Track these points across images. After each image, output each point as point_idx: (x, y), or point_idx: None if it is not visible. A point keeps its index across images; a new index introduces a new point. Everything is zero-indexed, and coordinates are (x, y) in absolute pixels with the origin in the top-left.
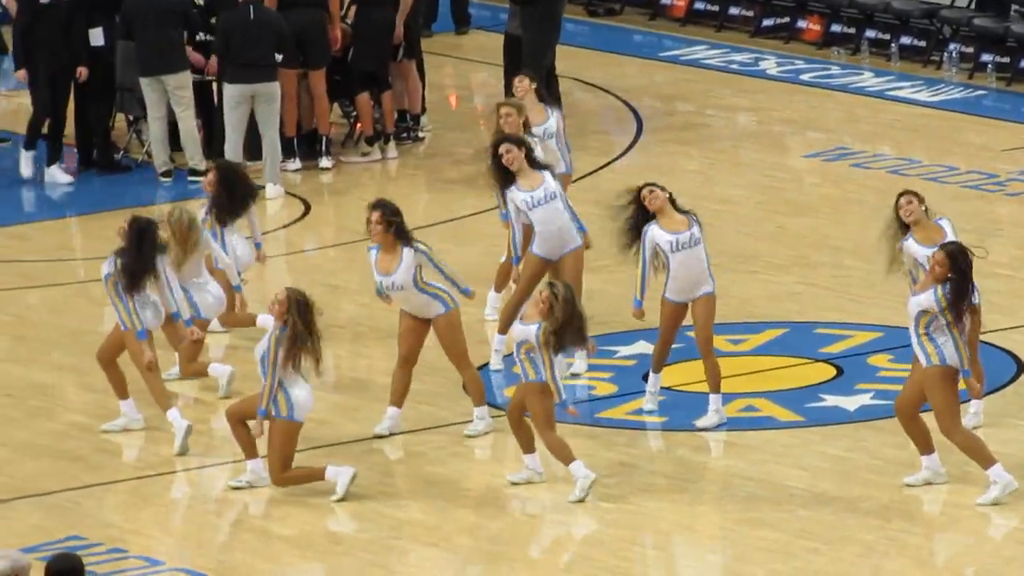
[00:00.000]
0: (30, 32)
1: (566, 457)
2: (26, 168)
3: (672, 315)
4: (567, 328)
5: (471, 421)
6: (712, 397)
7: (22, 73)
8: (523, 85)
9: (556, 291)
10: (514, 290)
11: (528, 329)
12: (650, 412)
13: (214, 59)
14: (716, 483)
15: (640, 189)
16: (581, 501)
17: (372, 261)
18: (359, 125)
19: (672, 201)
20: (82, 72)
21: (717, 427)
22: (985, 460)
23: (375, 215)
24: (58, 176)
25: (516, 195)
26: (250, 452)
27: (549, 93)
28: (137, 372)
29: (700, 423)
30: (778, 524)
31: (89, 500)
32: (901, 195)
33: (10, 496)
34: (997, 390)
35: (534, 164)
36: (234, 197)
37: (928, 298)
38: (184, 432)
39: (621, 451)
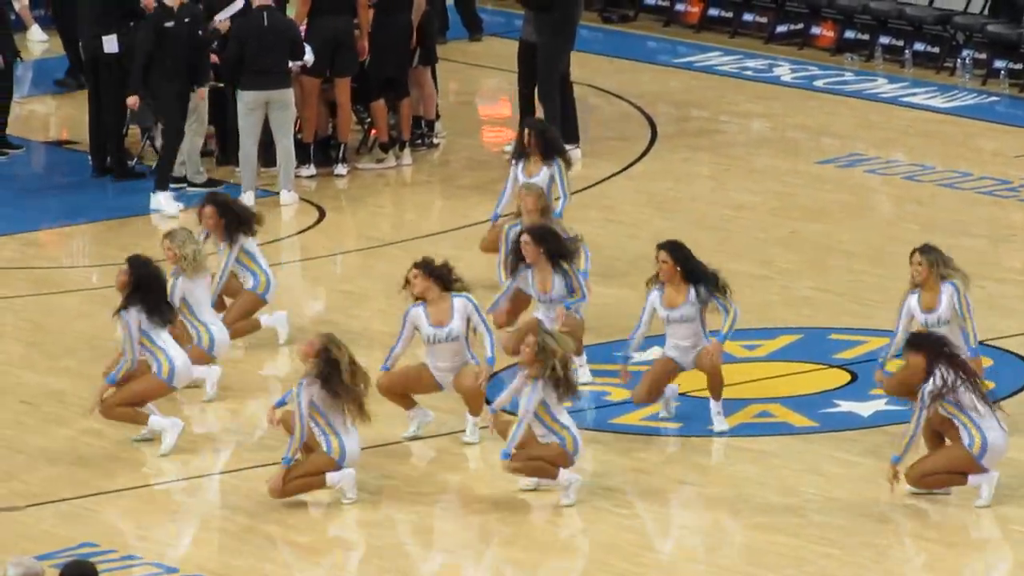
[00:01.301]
0: (153, 57)
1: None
2: (170, 206)
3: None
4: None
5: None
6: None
7: (134, 100)
8: (530, 138)
9: (542, 342)
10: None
11: (526, 404)
12: (665, 418)
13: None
14: (730, 489)
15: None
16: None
17: (420, 317)
18: (373, 132)
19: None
20: (201, 94)
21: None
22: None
23: (413, 272)
24: (166, 205)
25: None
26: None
27: (564, 120)
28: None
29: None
30: (792, 529)
31: (102, 507)
32: (915, 251)
33: (24, 503)
34: (1012, 395)
35: (553, 264)
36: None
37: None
38: (174, 431)
39: (635, 457)
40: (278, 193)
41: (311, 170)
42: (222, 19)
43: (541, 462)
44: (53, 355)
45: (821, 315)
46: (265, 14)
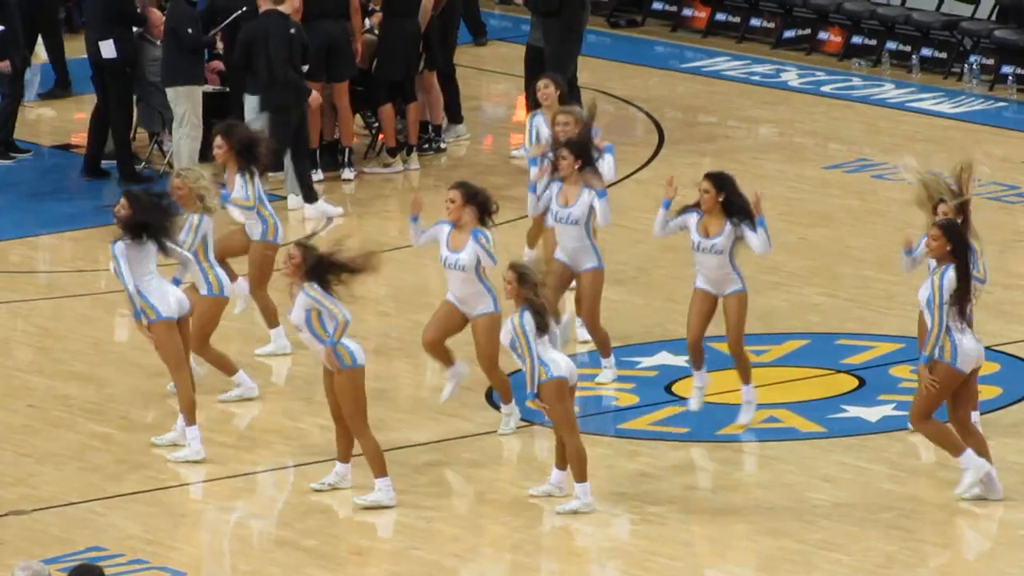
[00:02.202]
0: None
1: (579, 472)
2: (330, 209)
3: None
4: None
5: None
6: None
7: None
8: (548, 91)
9: (518, 270)
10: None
11: (506, 327)
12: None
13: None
14: (738, 493)
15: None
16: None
17: (444, 236)
18: (381, 136)
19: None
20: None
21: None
22: (955, 448)
23: (453, 193)
24: (328, 208)
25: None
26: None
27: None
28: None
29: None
30: (800, 535)
31: (110, 511)
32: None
33: (32, 507)
34: (1019, 401)
35: (584, 178)
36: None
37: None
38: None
39: (643, 462)
40: (285, 198)
41: (318, 174)
42: (217, 30)
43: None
44: (61, 359)
45: (829, 320)
46: (271, 19)
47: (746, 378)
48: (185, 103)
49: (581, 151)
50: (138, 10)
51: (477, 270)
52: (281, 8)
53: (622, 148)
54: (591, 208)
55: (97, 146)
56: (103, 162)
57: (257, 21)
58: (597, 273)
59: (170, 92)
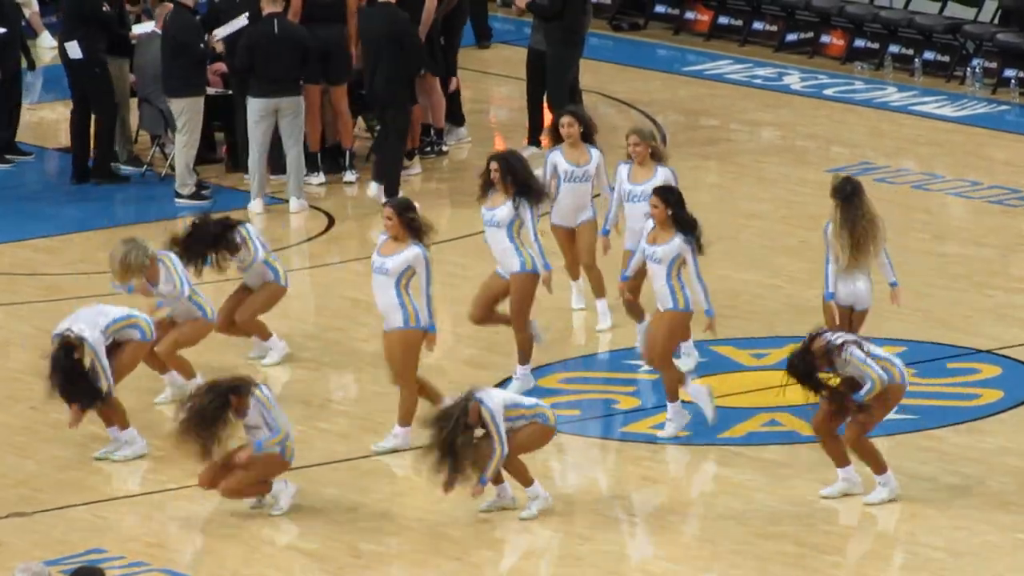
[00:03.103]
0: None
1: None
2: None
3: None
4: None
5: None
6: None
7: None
8: (572, 130)
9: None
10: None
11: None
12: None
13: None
14: (739, 497)
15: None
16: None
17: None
18: None
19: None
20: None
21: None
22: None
23: (387, 211)
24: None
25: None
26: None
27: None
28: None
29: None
30: (800, 538)
31: (111, 513)
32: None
33: (33, 509)
34: (1020, 404)
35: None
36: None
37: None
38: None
39: (645, 465)
40: (287, 200)
41: (320, 178)
42: (220, 37)
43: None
44: None
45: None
46: (275, 22)
47: (673, 395)
48: (188, 113)
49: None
50: (105, 9)
51: (398, 283)
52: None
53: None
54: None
55: (82, 149)
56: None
57: (261, 23)
58: (527, 277)
59: (175, 103)
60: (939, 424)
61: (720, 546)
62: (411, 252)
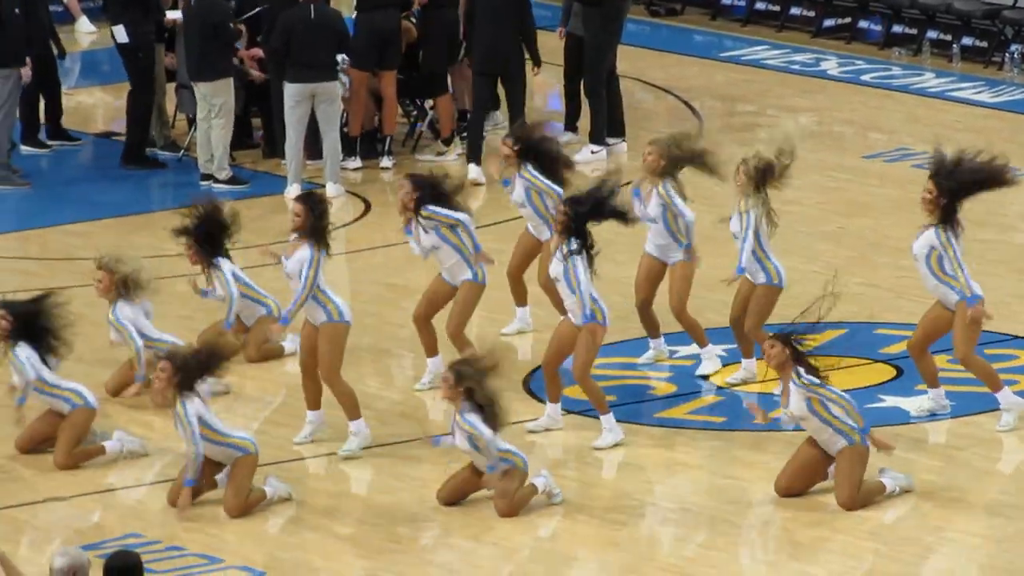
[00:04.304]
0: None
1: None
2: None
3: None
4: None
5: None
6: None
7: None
8: (651, 159)
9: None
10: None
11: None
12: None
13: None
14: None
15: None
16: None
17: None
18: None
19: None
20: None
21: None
22: (995, 385)
23: (296, 207)
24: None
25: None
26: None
27: (610, 114)
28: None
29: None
30: (838, 525)
31: (148, 497)
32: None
33: (69, 493)
34: None
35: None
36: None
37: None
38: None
39: (680, 451)
40: (324, 186)
41: (357, 163)
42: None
43: None
44: (98, 347)
45: (867, 310)
46: (312, 7)
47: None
48: (220, 95)
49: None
50: None
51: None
52: None
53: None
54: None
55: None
56: (150, 151)
57: (297, 8)
58: (473, 286)
59: (206, 87)
60: (977, 411)
61: (759, 532)
62: (304, 253)
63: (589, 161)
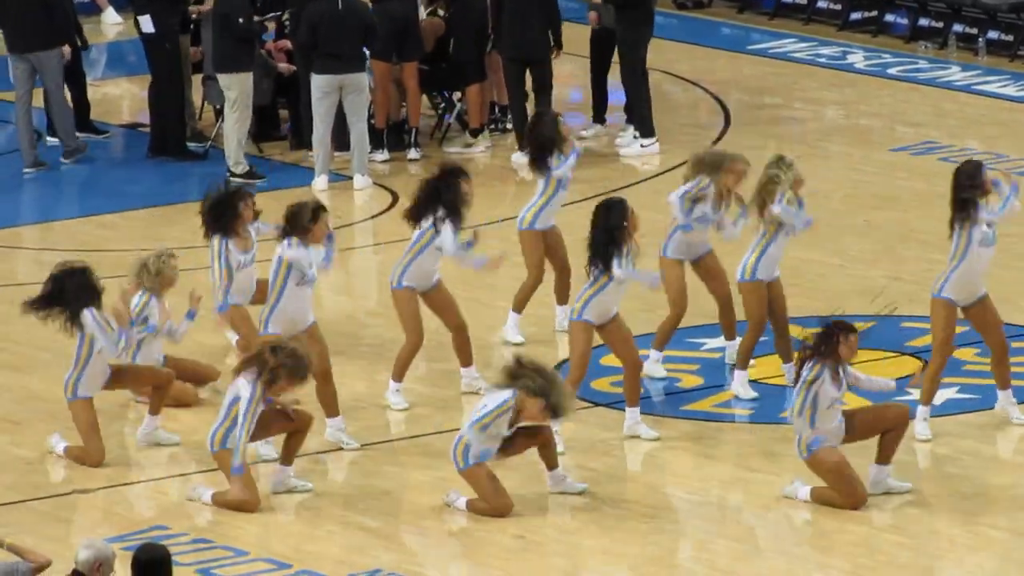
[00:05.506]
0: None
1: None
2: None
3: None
4: None
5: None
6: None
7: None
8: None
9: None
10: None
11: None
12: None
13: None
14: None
15: None
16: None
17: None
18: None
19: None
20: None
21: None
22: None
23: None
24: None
25: None
26: None
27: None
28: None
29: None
30: (863, 518)
31: (174, 490)
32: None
33: (96, 485)
34: None
35: None
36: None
37: None
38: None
39: (706, 444)
40: (351, 177)
41: (384, 154)
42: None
43: None
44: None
45: (894, 303)
46: None
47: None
48: (236, 89)
49: None
50: None
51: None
52: None
53: (688, 130)
54: None
55: (159, 124)
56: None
57: (324, 1)
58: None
59: (222, 78)
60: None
61: (783, 525)
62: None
63: (640, 155)
